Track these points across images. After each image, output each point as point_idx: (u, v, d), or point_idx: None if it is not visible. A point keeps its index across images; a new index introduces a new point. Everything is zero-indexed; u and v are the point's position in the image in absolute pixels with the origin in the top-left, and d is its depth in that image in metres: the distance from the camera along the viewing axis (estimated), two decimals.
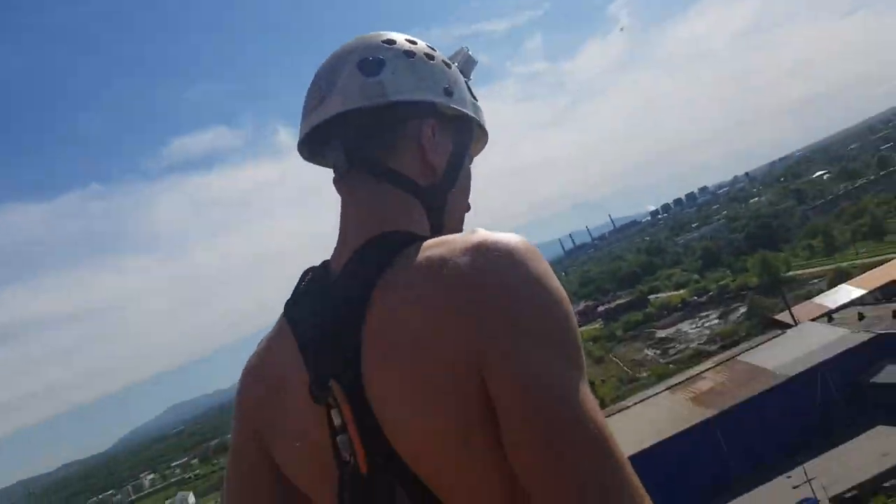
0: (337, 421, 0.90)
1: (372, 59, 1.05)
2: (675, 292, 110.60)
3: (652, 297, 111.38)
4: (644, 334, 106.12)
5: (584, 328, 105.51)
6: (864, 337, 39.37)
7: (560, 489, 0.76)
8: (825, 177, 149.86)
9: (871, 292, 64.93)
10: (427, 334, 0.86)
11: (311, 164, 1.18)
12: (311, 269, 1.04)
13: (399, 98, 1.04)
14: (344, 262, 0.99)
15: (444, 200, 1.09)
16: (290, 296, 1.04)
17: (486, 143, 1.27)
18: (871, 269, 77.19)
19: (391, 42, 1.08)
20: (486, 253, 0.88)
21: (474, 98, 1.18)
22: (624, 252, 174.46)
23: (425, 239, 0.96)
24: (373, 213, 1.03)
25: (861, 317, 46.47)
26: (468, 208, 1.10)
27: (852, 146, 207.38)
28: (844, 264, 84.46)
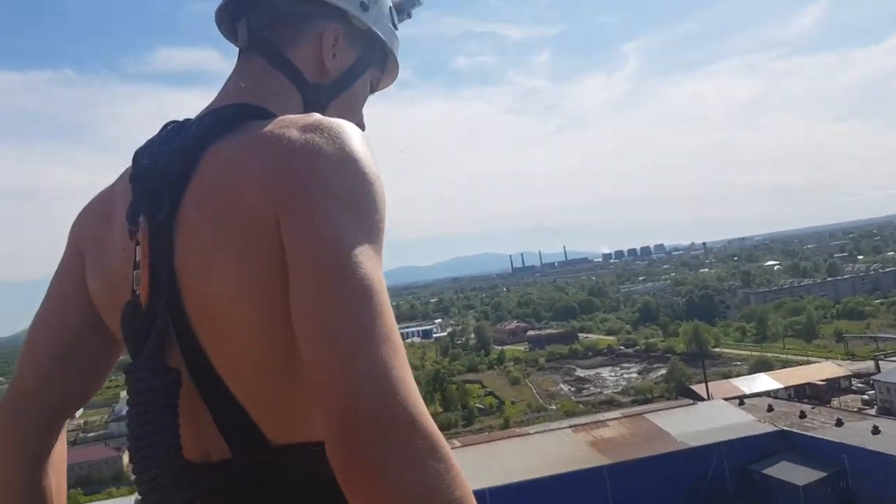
0: (138, 256, 0.94)
1: None
2: (605, 337, 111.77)
3: (582, 335, 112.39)
4: (565, 369, 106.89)
5: (510, 347, 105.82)
6: (768, 428, 40.17)
7: (327, 347, 0.78)
8: (776, 267, 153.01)
9: (785, 388, 66.57)
10: (237, 188, 0.90)
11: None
12: (172, 122, 1.06)
13: None
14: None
15: (325, 104, 1.13)
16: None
17: (396, 76, 1.31)
18: (794, 366, 79.02)
19: None
20: (315, 129, 0.92)
21: (395, 28, 1.22)
22: (568, 285, 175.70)
23: (276, 117, 0.99)
24: (246, 86, 1.07)
25: (770, 408, 47.32)
26: (360, 128, 1.11)
27: (809, 245, 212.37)
28: (769, 355, 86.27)
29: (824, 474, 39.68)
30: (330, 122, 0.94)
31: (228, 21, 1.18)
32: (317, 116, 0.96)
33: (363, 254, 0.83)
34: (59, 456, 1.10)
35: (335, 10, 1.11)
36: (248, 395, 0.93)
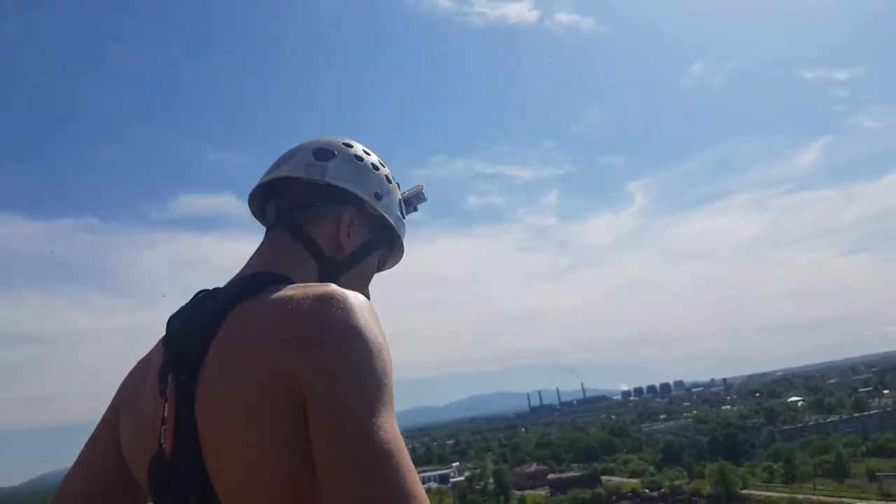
0: (166, 412, 1.03)
1: (326, 150, 1.30)
2: (629, 479, 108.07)
3: (604, 478, 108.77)
4: None
5: (530, 492, 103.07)
6: None
7: (355, 499, 0.86)
8: (799, 404, 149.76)
9: None
10: (252, 345, 1.00)
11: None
12: (203, 291, 1.18)
13: (333, 182, 1.26)
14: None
15: (338, 276, 1.27)
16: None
17: (400, 258, 1.46)
18: None
19: (349, 145, 1.33)
20: (328, 300, 1.02)
21: (403, 216, 1.39)
22: (588, 425, 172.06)
23: (293, 283, 1.13)
24: (270, 257, 1.23)
25: None
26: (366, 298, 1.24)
27: (831, 380, 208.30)
28: (800, 496, 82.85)
29: None
30: (343, 293, 1.04)
31: (260, 202, 1.34)
32: (332, 287, 1.06)
33: (379, 416, 0.91)
34: None
35: (353, 197, 1.27)
36: None
